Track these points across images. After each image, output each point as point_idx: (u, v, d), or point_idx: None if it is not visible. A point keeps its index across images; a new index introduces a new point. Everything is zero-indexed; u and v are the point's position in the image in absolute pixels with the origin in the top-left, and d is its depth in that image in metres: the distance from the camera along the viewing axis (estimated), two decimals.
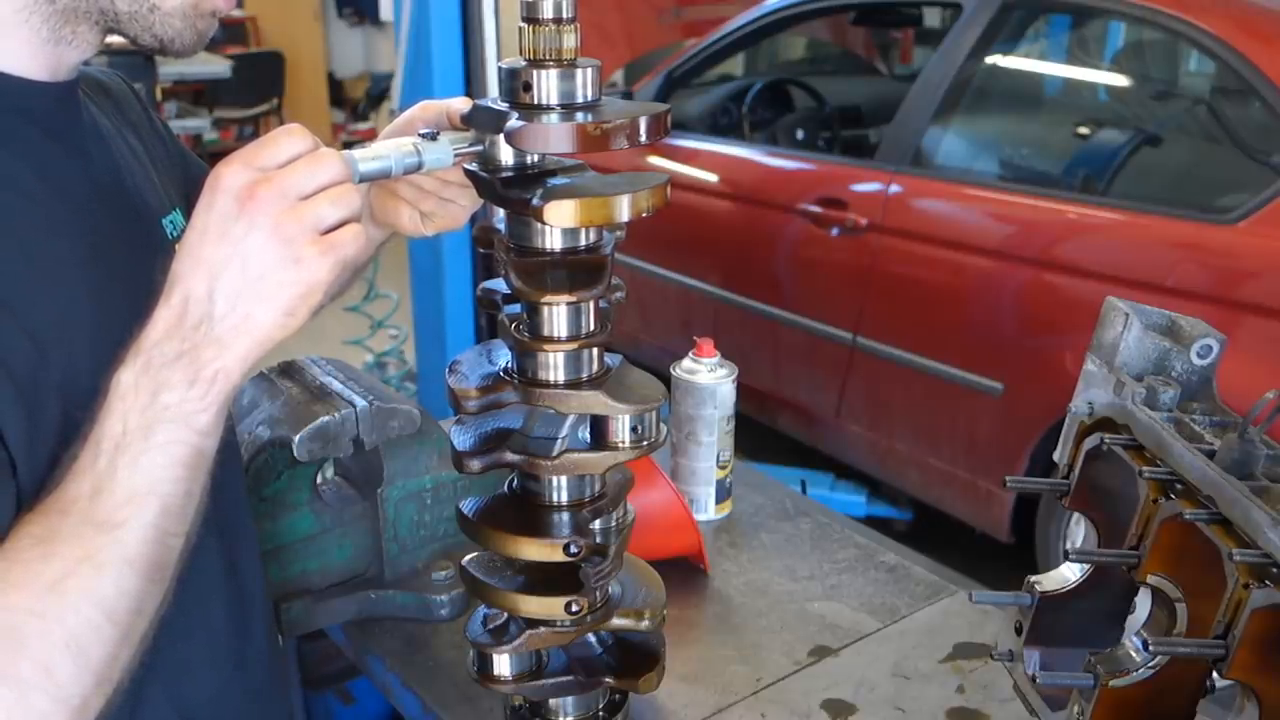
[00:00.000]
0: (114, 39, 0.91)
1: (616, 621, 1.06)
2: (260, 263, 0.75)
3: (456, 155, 0.93)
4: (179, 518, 0.78)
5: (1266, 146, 2.80)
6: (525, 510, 1.03)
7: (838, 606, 1.36)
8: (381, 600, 1.33)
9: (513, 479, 1.06)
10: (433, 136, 0.92)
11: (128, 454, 0.75)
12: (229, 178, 0.76)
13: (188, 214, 1.06)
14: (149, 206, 0.99)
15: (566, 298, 0.92)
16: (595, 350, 0.97)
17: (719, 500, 1.58)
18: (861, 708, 1.18)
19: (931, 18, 4.86)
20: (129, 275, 0.91)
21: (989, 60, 3.38)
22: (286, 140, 0.79)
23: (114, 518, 0.75)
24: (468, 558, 1.07)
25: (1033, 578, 0.92)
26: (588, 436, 0.99)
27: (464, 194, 1.07)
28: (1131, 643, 0.82)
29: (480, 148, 0.94)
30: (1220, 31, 2.75)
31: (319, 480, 1.36)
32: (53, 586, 0.73)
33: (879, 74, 5.40)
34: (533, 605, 1.00)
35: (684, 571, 1.41)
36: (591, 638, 1.11)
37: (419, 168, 0.91)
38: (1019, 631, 0.92)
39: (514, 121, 0.88)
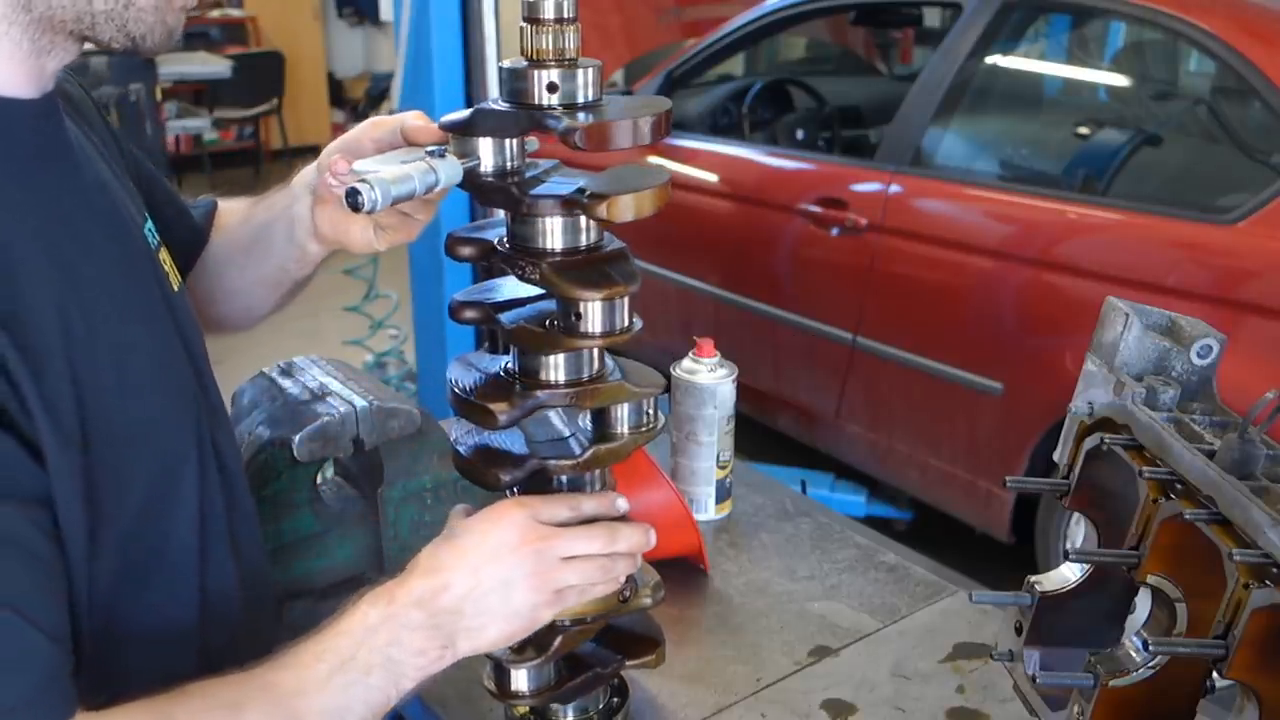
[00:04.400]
0: None
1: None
2: (515, 598, 0.90)
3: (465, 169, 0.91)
4: None
5: (1266, 146, 2.81)
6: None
7: (838, 606, 1.36)
8: None
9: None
10: (440, 154, 0.90)
11: (346, 676, 0.85)
12: (517, 518, 0.92)
13: (155, 222, 1.03)
14: (133, 219, 0.97)
15: (622, 290, 0.93)
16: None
17: (719, 500, 1.57)
18: (861, 708, 1.18)
19: (931, 18, 4.86)
20: (120, 290, 0.90)
21: (989, 60, 3.38)
22: (563, 509, 0.95)
23: (303, 718, 0.83)
24: None
25: (1033, 578, 0.91)
26: (589, 426, 1.00)
27: (425, 208, 1.04)
28: (1131, 643, 0.82)
29: (476, 160, 0.92)
30: (1220, 31, 2.75)
31: (319, 480, 1.36)
32: None
33: (879, 74, 5.40)
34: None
35: (684, 571, 1.41)
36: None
37: (435, 185, 0.89)
38: (1019, 631, 0.92)
39: (580, 119, 0.88)
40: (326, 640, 0.86)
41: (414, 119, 0.99)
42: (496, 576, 0.89)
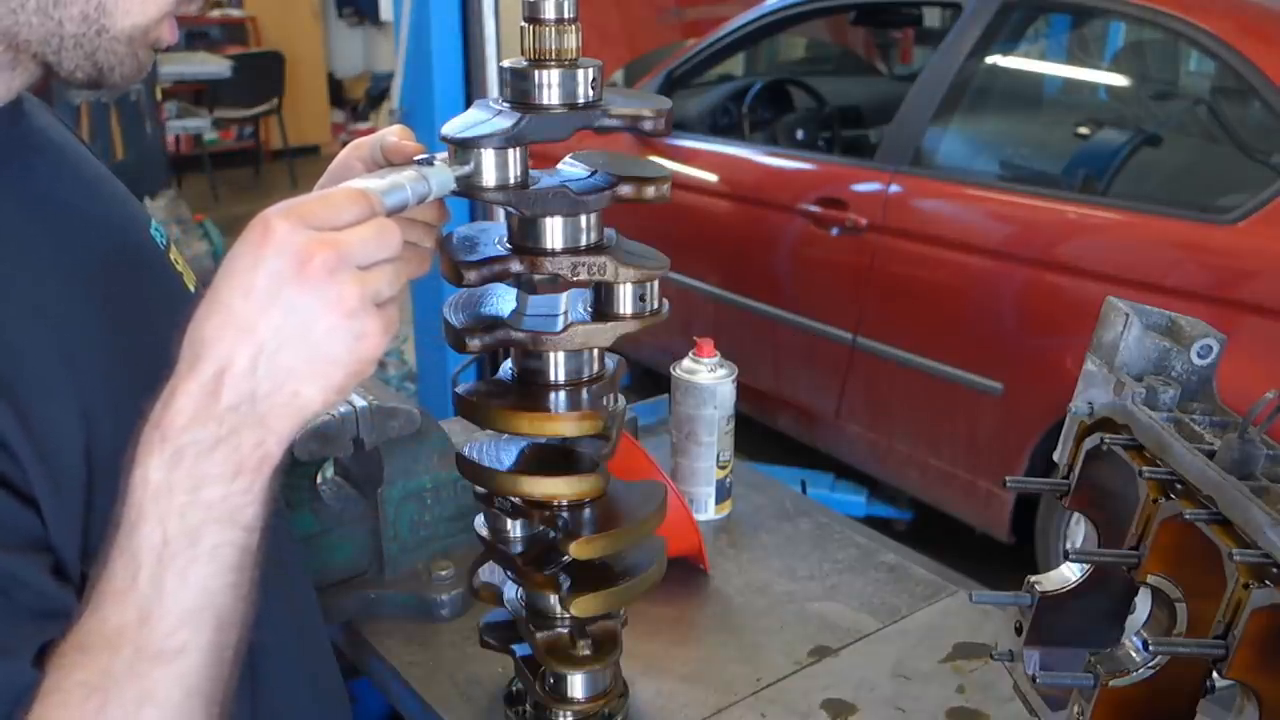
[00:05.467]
0: None
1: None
2: (319, 335, 0.67)
3: (456, 178, 0.88)
4: (233, 627, 0.71)
5: (1266, 146, 2.81)
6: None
7: (838, 606, 1.36)
8: (381, 600, 1.33)
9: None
10: (429, 162, 0.86)
11: (173, 567, 0.67)
12: (284, 234, 0.66)
13: None
14: (136, 220, 0.95)
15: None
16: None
17: (719, 500, 1.57)
18: (861, 708, 1.18)
19: (931, 18, 4.86)
20: (130, 297, 0.88)
21: (989, 60, 3.38)
22: (348, 203, 0.71)
23: (169, 645, 0.68)
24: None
25: (1033, 578, 0.91)
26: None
27: (428, 234, 0.93)
28: (1131, 643, 0.82)
29: (469, 168, 0.88)
30: (1220, 31, 2.75)
31: (319, 480, 1.36)
32: None
33: (879, 74, 5.41)
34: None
35: (684, 571, 1.41)
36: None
37: (428, 195, 0.83)
38: (1019, 631, 0.92)
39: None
40: (127, 541, 0.68)
41: (392, 135, 0.92)
42: (284, 324, 0.66)
